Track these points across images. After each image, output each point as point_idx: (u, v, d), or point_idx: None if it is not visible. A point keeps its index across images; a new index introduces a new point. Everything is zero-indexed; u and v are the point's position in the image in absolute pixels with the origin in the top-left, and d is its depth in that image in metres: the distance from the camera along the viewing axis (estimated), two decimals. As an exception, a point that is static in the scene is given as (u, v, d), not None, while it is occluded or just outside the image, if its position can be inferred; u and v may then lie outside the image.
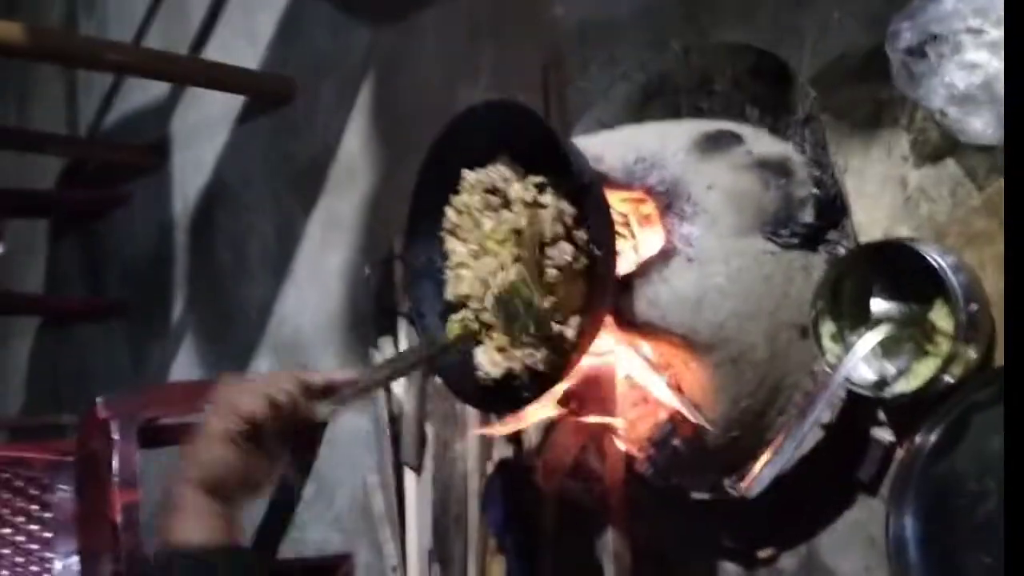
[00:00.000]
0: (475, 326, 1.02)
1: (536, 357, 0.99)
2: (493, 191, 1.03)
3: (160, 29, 2.63)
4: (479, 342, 1.04)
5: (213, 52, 2.36)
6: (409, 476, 1.61)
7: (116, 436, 1.65)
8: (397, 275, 1.66)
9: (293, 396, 0.80)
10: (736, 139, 1.07)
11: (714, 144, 1.07)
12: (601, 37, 1.39)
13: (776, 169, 1.04)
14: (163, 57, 2.30)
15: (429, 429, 1.56)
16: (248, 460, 0.79)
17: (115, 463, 1.63)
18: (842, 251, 1.02)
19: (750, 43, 1.13)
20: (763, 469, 0.93)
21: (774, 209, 1.02)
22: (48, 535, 1.83)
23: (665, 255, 1.01)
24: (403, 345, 1.67)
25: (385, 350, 1.71)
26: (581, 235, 0.97)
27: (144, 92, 2.68)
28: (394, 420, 1.66)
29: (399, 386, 1.67)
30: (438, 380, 1.40)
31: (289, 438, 0.82)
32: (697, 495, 1.11)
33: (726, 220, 1.01)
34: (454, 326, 1.03)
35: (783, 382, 1.02)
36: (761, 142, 1.08)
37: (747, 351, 1.00)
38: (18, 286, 3.44)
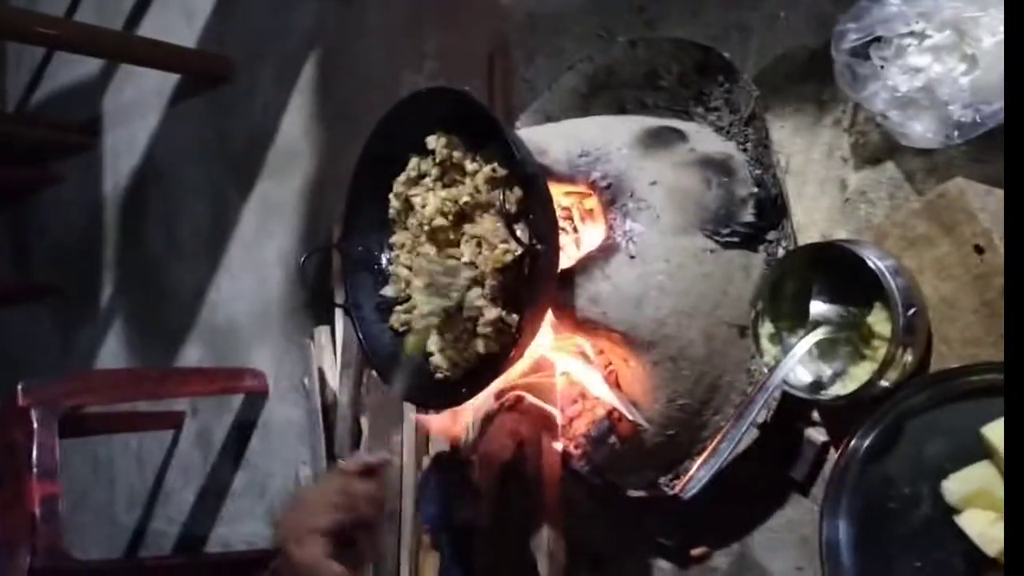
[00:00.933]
0: (426, 335, 1.00)
1: (474, 352, 0.97)
2: (443, 165, 1.02)
3: (93, 4, 2.55)
4: (429, 354, 1.02)
5: (148, 28, 2.30)
6: (343, 469, 1.58)
7: (36, 425, 1.60)
8: (335, 264, 1.62)
9: (349, 491, 0.82)
10: (680, 136, 1.07)
11: (658, 140, 1.06)
12: (548, 28, 1.38)
13: (719, 168, 1.03)
14: (96, 32, 2.22)
15: (364, 422, 1.53)
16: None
17: (34, 453, 1.58)
18: (782, 251, 1.02)
19: (696, 39, 1.12)
20: (699, 469, 0.93)
21: (715, 207, 1.02)
22: (-38, 526, 1.76)
23: (607, 251, 1.00)
24: (339, 335, 1.64)
25: (320, 340, 1.68)
26: (523, 228, 0.95)
27: (75, 68, 2.59)
28: (328, 411, 1.63)
29: (334, 377, 1.64)
30: (374, 373, 1.38)
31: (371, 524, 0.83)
32: (633, 493, 1.10)
33: (668, 217, 1.00)
34: (410, 341, 1.00)
35: (720, 380, 1.02)
36: (705, 140, 1.08)
37: (686, 349, 0.99)
38: (-62, 265, 3.31)
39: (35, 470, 1.57)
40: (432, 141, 1.02)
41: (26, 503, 1.57)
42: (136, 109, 2.35)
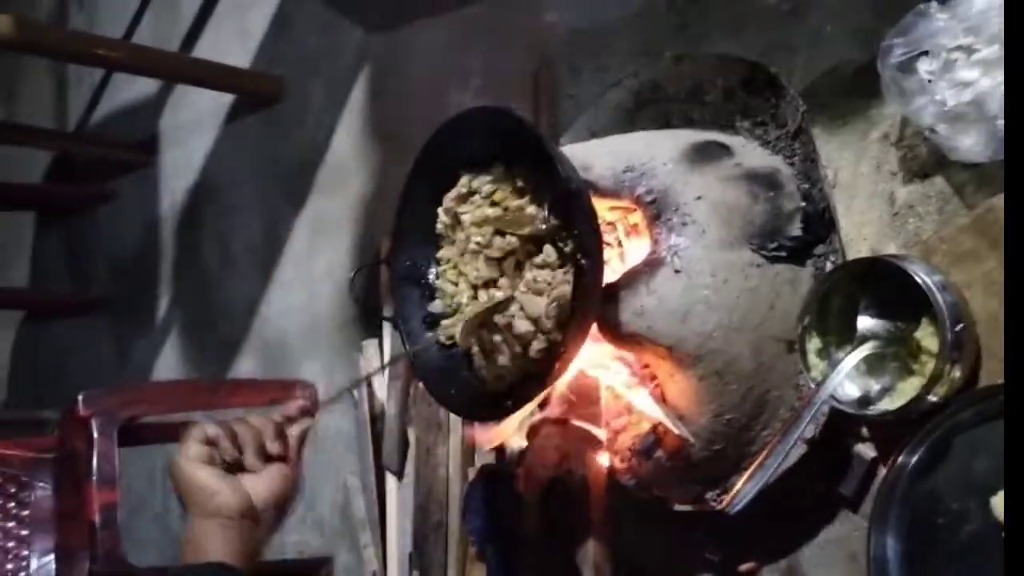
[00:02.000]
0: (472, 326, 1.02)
1: (519, 368, 0.99)
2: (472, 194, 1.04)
3: (151, 25, 2.62)
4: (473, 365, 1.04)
5: (204, 50, 2.35)
6: (390, 480, 1.60)
7: (96, 434, 1.64)
8: (383, 278, 1.65)
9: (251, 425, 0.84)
10: (726, 150, 1.07)
11: (704, 155, 1.06)
12: (592, 45, 1.39)
13: (765, 182, 1.04)
14: (153, 54, 2.29)
15: (411, 433, 1.55)
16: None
17: (95, 461, 1.62)
18: (829, 266, 1.02)
19: (742, 55, 1.13)
20: (746, 484, 0.92)
21: (762, 222, 1.02)
22: (25, 532, 1.81)
23: (652, 265, 1.00)
24: (387, 348, 1.67)
25: (369, 353, 1.70)
26: (567, 244, 0.96)
27: (134, 88, 2.66)
28: (376, 421, 1.65)
29: (381, 388, 1.66)
30: (421, 385, 1.39)
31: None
32: (679, 507, 1.10)
33: (714, 232, 1.00)
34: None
35: (768, 396, 1.02)
36: (751, 154, 1.08)
37: (732, 364, 0.99)
38: (2, 279, 3.42)
39: (95, 478, 1.60)
40: (466, 182, 1.04)
41: (86, 510, 1.60)
42: (192, 128, 2.40)
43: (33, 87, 3.43)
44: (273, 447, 0.85)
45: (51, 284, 3.26)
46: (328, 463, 1.86)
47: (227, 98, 2.25)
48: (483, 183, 1.04)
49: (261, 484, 0.83)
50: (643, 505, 1.14)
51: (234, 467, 0.83)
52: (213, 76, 2.15)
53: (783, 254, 1.01)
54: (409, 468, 1.54)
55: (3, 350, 3.66)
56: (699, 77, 1.16)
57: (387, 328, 1.69)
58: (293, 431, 0.87)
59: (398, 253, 1.12)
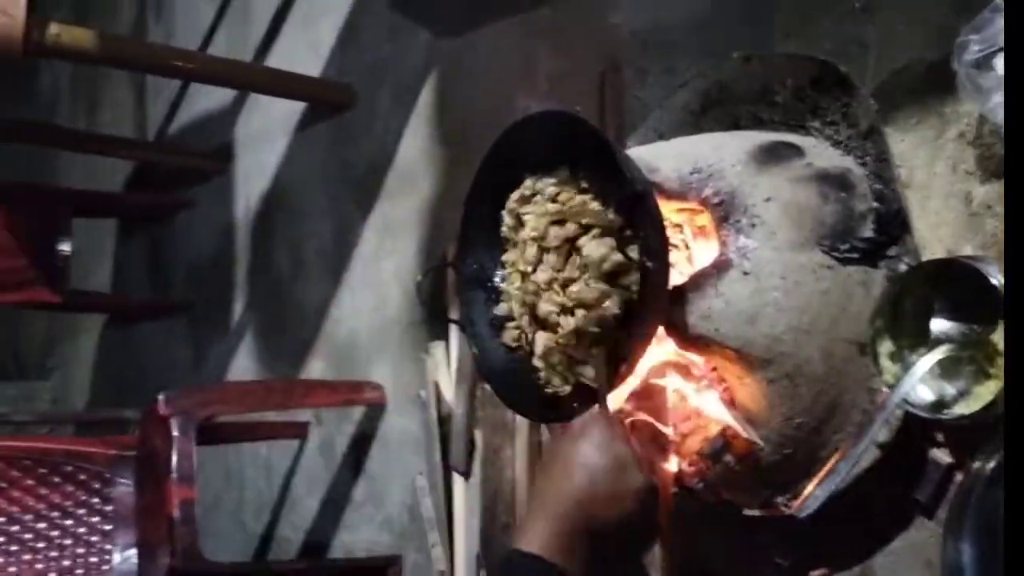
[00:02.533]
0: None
1: (586, 371, 0.99)
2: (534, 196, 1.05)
3: (225, 37, 2.70)
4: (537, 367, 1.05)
5: (276, 59, 2.42)
6: (458, 481, 1.62)
7: (176, 433, 1.69)
8: (450, 281, 1.67)
9: None
10: (796, 151, 1.06)
11: (773, 156, 1.05)
12: (659, 46, 1.38)
13: (836, 182, 1.02)
14: (228, 64, 2.36)
15: (478, 435, 1.56)
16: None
17: (174, 459, 1.67)
18: (903, 267, 1.00)
19: (812, 53, 1.11)
20: (817, 488, 0.91)
21: (833, 223, 1.00)
22: (108, 527, 1.88)
23: (720, 267, 1.00)
24: (454, 350, 1.69)
25: (436, 355, 1.73)
26: (633, 246, 0.96)
27: (209, 98, 2.75)
28: (443, 422, 1.68)
29: (448, 390, 1.68)
30: (487, 387, 1.41)
31: None
32: (749, 511, 1.09)
33: (784, 233, 0.99)
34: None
35: (840, 399, 1.00)
36: (822, 155, 1.06)
37: (803, 367, 0.98)
38: (86, 284, 3.55)
39: (174, 475, 1.66)
40: (530, 184, 1.05)
41: (166, 507, 1.66)
42: (265, 136, 2.47)
43: (114, 98, 3.56)
44: None
45: (132, 288, 3.38)
46: (397, 463, 1.89)
47: (298, 106, 2.31)
48: (546, 185, 1.04)
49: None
50: (711, 509, 1.14)
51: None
52: (285, 85, 2.21)
53: (855, 256, 1.00)
54: (476, 469, 1.56)
55: (87, 352, 3.82)
56: (768, 77, 1.14)
57: (454, 330, 1.71)
58: None
59: (464, 256, 1.14)
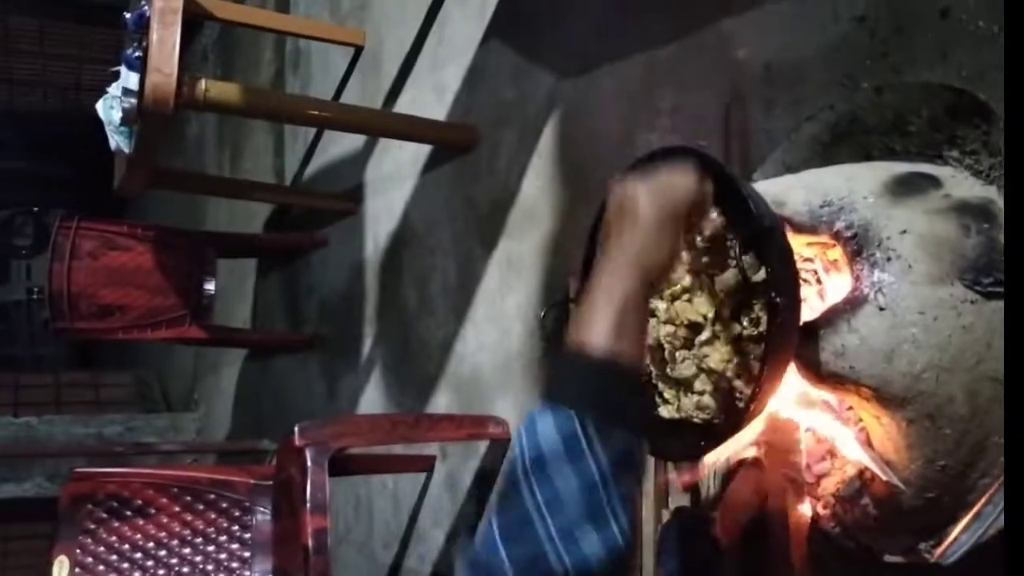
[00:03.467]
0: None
1: (712, 407, 0.98)
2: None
3: (357, 85, 2.82)
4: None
5: (404, 105, 2.51)
6: (583, 519, 1.61)
7: (310, 463, 1.75)
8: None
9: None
10: (932, 182, 1.02)
11: (908, 187, 1.02)
12: (787, 77, 1.36)
13: (977, 214, 0.97)
14: (359, 112, 2.48)
15: (604, 472, 1.55)
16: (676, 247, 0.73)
17: (308, 489, 1.72)
18: (1055, 301, 0.94)
19: (948, 82, 1.07)
20: (962, 534, 0.87)
21: (975, 256, 0.96)
22: (247, 554, 1.97)
23: (854, 303, 0.97)
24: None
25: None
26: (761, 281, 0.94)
27: (342, 144, 2.87)
28: (569, 461, 1.67)
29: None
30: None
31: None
32: (889, 558, 1.04)
33: (921, 267, 0.95)
34: None
35: (987, 441, 0.95)
36: (961, 185, 1.02)
37: (945, 406, 0.93)
38: (229, 320, 3.76)
39: (308, 505, 1.71)
40: None
41: (300, 535, 1.72)
42: (393, 178, 2.56)
43: (255, 146, 3.78)
44: None
45: (270, 324, 3.55)
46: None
47: (425, 148, 2.39)
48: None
49: None
50: (848, 554, 1.09)
51: None
52: (413, 129, 2.29)
53: (1000, 289, 0.95)
54: (601, 506, 1.54)
55: (229, 385, 4.03)
56: (901, 107, 1.11)
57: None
58: None
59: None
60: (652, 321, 1.01)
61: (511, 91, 2.05)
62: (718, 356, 0.97)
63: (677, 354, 1.00)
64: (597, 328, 0.65)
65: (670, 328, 1.01)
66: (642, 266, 0.69)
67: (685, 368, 1.00)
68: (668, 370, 1.01)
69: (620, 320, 0.66)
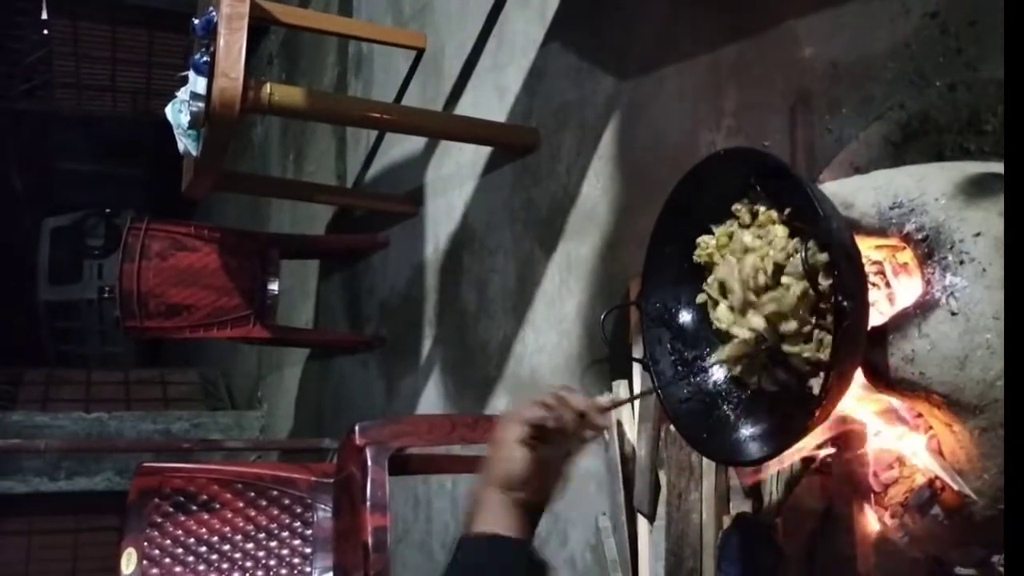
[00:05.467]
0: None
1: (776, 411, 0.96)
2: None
3: (418, 88, 2.85)
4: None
5: (465, 107, 2.52)
6: (642, 522, 1.60)
7: (370, 462, 1.77)
8: (632, 320, 1.66)
9: (565, 401, 0.90)
10: (1009, 182, 0.98)
11: (983, 188, 0.98)
12: (854, 75, 1.33)
13: (1058, 215, 0.94)
14: (420, 114, 2.49)
15: (663, 476, 1.54)
16: (537, 460, 0.88)
17: (368, 487, 1.74)
18: None
19: (1026, 77, 1.04)
20: (1041, 549, 0.83)
21: (1055, 259, 0.92)
22: (308, 551, 2.00)
23: (924, 307, 0.94)
24: (637, 389, 1.67)
25: (619, 393, 1.72)
26: (828, 285, 0.92)
27: (403, 146, 2.90)
28: (626, 462, 1.66)
29: (631, 429, 1.67)
30: (672, 428, 1.39)
31: (573, 438, 0.91)
32: (961, 571, 1.01)
33: (996, 270, 0.92)
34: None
35: (1067, 452, 0.91)
36: (1039, 185, 0.98)
37: (1021, 415, 0.90)
38: (292, 320, 3.82)
39: (368, 503, 1.73)
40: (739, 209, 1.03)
41: (360, 532, 1.74)
42: (453, 180, 2.58)
43: (317, 149, 3.84)
44: (593, 419, 0.91)
45: (331, 324, 3.61)
46: (580, 502, 1.89)
47: (485, 150, 2.39)
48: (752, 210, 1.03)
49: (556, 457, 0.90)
50: (916, 565, 1.06)
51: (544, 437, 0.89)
52: (473, 131, 2.30)
53: (1081, 294, 0.91)
54: (661, 511, 1.53)
55: (292, 384, 4.10)
56: (976, 105, 1.08)
57: (637, 369, 1.70)
58: (598, 420, 0.93)
59: (648, 295, 1.13)
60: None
61: (572, 92, 2.05)
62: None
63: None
64: (479, 520, 0.87)
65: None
66: (498, 478, 0.88)
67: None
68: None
69: (492, 515, 0.87)
